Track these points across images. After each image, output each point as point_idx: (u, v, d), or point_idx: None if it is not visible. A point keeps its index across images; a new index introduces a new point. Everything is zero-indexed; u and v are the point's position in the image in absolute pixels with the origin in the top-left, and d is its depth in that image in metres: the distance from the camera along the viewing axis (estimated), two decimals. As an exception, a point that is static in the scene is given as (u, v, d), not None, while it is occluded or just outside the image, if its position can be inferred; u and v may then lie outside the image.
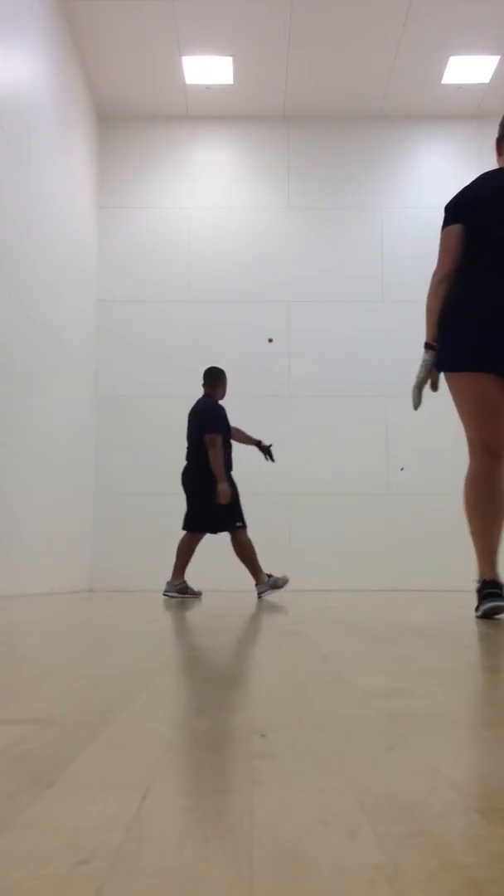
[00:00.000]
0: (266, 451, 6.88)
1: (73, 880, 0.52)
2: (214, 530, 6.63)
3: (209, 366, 6.95)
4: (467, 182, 3.59)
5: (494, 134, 3.54)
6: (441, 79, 9.85)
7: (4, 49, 6.77)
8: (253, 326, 10.21)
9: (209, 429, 6.49)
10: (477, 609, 3.17)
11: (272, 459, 6.93)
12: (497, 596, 3.07)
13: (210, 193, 10.51)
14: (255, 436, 7.15)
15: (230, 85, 9.98)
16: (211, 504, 6.48)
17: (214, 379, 6.77)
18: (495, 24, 8.94)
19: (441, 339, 3.34)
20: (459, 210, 3.41)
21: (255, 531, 10.16)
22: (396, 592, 8.44)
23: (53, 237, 8.20)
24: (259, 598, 6.53)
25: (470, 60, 9.56)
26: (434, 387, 3.41)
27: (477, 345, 3.24)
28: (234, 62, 9.57)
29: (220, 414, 6.62)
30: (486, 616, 3.10)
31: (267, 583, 6.60)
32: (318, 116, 10.59)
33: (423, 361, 3.38)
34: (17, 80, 7.18)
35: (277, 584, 6.62)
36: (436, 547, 9.88)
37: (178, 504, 9.63)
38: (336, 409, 10.03)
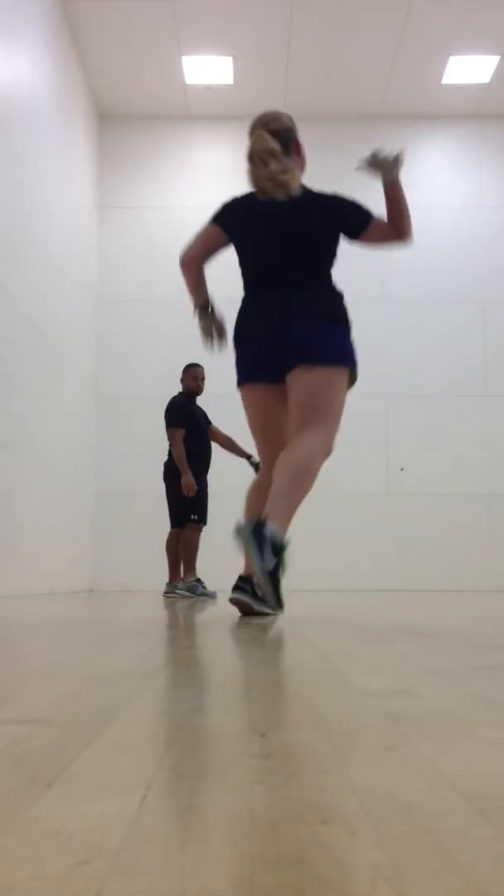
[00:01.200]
0: (256, 466, 6.94)
1: (73, 880, 0.52)
2: (180, 524, 6.73)
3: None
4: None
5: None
6: (441, 79, 9.85)
7: (4, 49, 6.77)
8: (253, 326, 10.20)
9: (168, 424, 6.73)
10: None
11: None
12: (242, 590, 3.36)
13: (210, 193, 10.45)
14: None
15: (230, 85, 9.98)
16: (175, 497, 6.61)
17: (182, 375, 6.97)
18: (495, 24, 8.94)
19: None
20: (226, 220, 3.63)
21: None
22: (396, 592, 8.44)
23: (53, 237, 8.20)
24: (171, 594, 6.58)
25: (470, 60, 9.56)
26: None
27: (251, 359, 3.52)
28: (234, 62, 9.57)
29: (179, 409, 6.77)
30: (232, 603, 3.38)
31: (191, 584, 6.55)
32: (318, 116, 10.59)
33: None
34: (18, 81, 7.18)
35: (196, 590, 6.55)
36: (436, 547, 9.87)
37: (178, 504, 9.62)
38: (336, 409, 10.03)
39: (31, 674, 1.59)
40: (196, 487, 6.56)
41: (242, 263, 3.60)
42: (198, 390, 6.90)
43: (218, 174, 10.57)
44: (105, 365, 10.15)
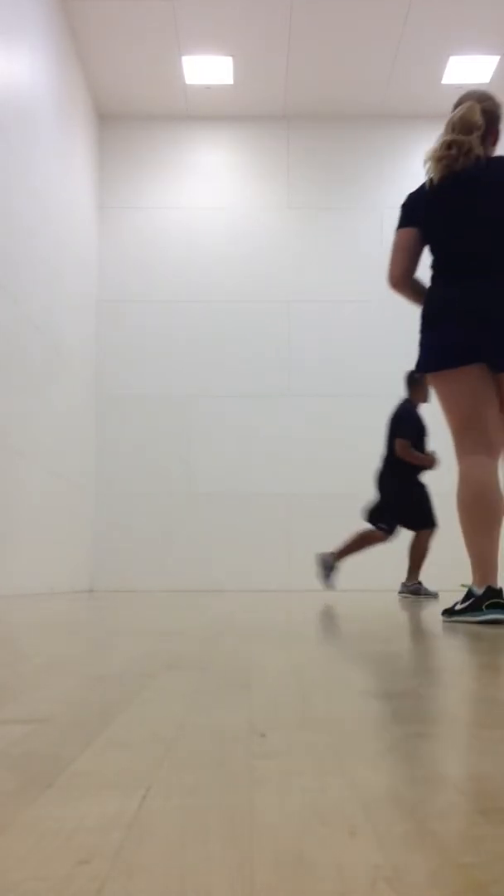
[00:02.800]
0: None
1: (73, 880, 0.52)
2: (393, 531, 6.84)
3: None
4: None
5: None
6: (441, 79, 9.85)
7: (4, 49, 6.77)
8: (253, 326, 10.21)
9: (399, 433, 6.78)
10: (464, 612, 3.09)
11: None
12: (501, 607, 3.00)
13: (210, 193, 10.51)
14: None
15: (230, 85, 9.98)
16: (401, 506, 6.76)
17: (408, 384, 7.02)
18: (495, 24, 8.94)
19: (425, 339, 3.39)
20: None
21: (254, 531, 10.14)
22: (396, 592, 8.44)
23: (53, 237, 8.20)
24: (399, 594, 6.99)
25: (470, 60, 9.56)
26: None
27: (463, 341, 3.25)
28: (234, 62, 9.57)
29: (414, 421, 6.85)
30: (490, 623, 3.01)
31: (411, 586, 6.98)
32: (318, 116, 10.59)
33: None
34: (18, 81, 7.18)
35: (419, 591, 6.94)
36: (435, 547, 9.88)
37: (177, 504, 9.63)
38: (336, 409, 10.02)
39: (31, 674, 1.59)
40: (437, 458, 6.72)
41: (436, 245, 3.40)
42: (426, 401, 6.95)
43: (218, 174, 10.58)
44: (105, 365, 10.15)
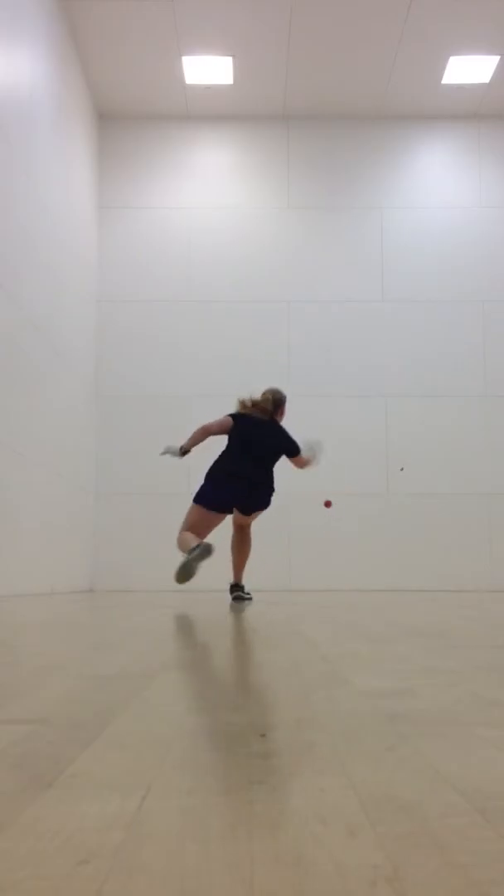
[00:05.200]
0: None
1: (73, 880, 0.52)
2: None
3: None
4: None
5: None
6: (441, 79, 9.84)
7: (4, 49, 6.77)
8: (253, 326, 10.21)
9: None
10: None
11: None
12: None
13: (210, 193, 10.50)
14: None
15: (230, 85, 9.98)
16: None
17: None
18: (495, 24, 8.94)
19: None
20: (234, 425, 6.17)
21: (254, 531, 10.15)
22: (396, 592, 8.44)
23: (53, 237, 8.20)
24: None
25: (470, 60, 9.55)
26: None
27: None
28: (234, 62, 9.57)
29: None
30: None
31: None
32: (318, 116, 10.59)
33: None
34: (18, 80, 7.18)
35: None
36: (435, 547, 9.87)
37: (177, 504, 9.62)
38: (336, 408, 10.02)
39: (31, 674, 1.59)
40: None
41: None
42: None
43: (218, 174, 10.58)
44: (105, 365, 10.15)
